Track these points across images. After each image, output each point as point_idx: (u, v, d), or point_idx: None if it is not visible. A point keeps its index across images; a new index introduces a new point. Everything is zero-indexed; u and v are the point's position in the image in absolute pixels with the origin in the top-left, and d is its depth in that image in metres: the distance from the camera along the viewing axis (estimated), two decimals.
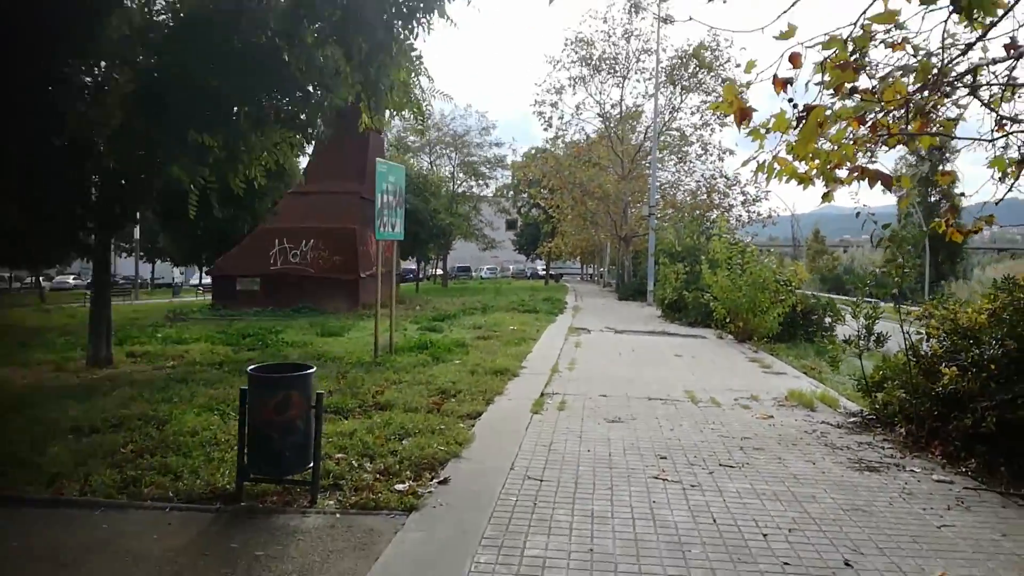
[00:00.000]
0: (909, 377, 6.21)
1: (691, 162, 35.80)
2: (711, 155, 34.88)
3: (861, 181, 5.82)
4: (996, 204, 4.93)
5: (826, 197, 6.61)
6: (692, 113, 34.49)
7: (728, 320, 15.32)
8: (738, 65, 34.88)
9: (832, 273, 70.96)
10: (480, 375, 9.49)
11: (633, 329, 17.33)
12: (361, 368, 10.19)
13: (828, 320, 18.03)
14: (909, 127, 5.29)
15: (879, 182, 5.37)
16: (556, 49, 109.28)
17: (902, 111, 5.69)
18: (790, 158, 6.12)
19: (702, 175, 35.47)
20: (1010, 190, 4.87)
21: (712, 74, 32.79)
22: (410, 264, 49.54)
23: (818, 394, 8.37)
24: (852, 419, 7.13)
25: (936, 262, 40.78)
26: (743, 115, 5.61)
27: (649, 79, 33.72)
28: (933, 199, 41.97)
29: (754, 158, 6.05)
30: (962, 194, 5.70)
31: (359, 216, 22.68)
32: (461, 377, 9.25)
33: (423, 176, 32.19)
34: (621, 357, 12.23)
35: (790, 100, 5.69)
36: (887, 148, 5.88)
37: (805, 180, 6.45)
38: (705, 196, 34.53)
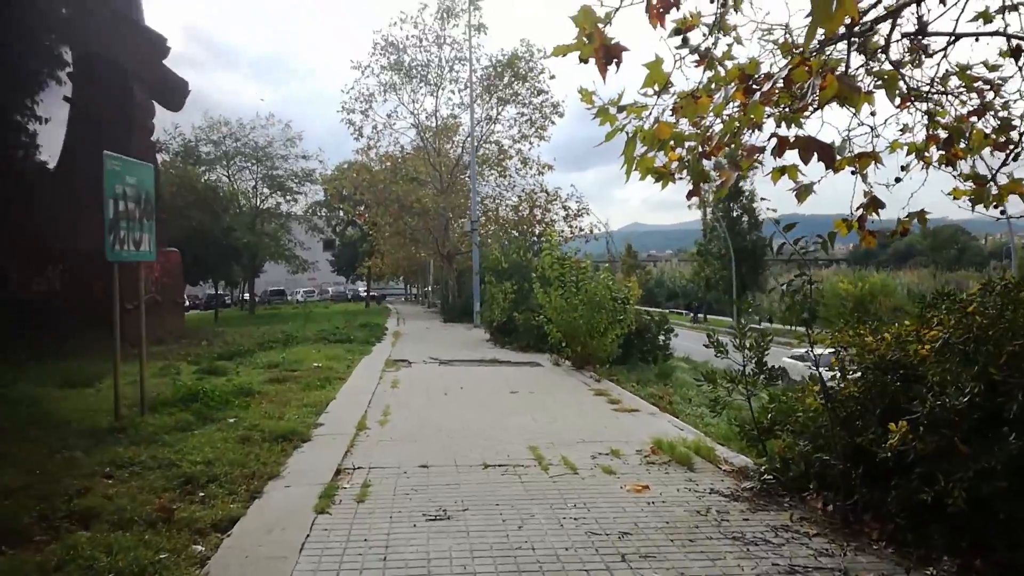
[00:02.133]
0: (830, 427, 4.61)
1: (511, 176, 34.70)
2: (531, 169, 34.03)
3: (778, 157, 4.13)
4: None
5: (722, 191, 4.91)
6: (510, 127, 33.46)
7: (564, 344, 13.69)
8: (552, 76, 34.47)
9: (646, 286, 74.29)
10: (254, 444, 6.89)
11: (460, 358, 15.26)
12: (91, 439, 7.23)
13: (662, 338, 17.20)
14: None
15: (815, 155, 3.67)
16: (364, 54, 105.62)
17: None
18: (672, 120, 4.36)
19: (523, 189, 34.49)
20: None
21: (527, 86, 32.06)
22: (209, 289, 44.13)
23: (690, 443, 6.72)
24: (747, 484, 5.46)
25: (740, 273, 42.69)
26: (609, 54, 3.68)
27: (464, 89, 32.27)
28: (736, 212, 44.00)
29: (621, 129, 4.20)
30: (898, 179, 4.19)
31: None
32: (226, 449, 6.61)
33: (211, 187, 27.88)
34: (447, 398, 10.09)
35: (677, 32, 3.90)
36: (805, 117, 4.26)
37: (665, 176, 4.72)
38: (527, 211, 33.52)
